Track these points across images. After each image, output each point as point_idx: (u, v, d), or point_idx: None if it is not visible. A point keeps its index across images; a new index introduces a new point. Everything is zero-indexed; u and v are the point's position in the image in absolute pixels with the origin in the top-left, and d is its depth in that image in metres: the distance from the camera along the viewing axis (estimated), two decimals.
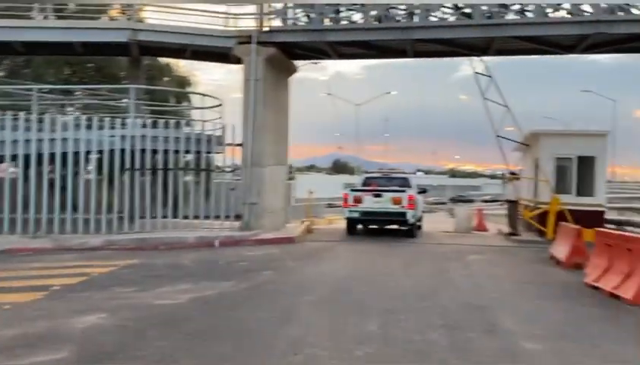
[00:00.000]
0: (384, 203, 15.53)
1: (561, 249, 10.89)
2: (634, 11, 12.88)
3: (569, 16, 13.24)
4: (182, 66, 24.19)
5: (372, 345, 5.32)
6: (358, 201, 15.85)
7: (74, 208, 13.40)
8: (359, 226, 17.26)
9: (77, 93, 19.86)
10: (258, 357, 4.96)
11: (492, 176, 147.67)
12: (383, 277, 9.46)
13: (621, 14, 12.80)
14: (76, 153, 13.37)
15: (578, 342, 5.54)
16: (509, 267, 10.90)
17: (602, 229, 9.91)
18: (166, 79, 23.56)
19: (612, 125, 47.43)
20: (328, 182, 79.07)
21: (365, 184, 16.84)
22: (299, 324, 6.13)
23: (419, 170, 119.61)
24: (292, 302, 7.28)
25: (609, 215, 15.67)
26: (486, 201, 69.06)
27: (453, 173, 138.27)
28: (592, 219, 14.02)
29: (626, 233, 8.90)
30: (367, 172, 18.87)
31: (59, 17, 16.28)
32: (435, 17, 13.99)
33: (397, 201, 15.46)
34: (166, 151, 14.01)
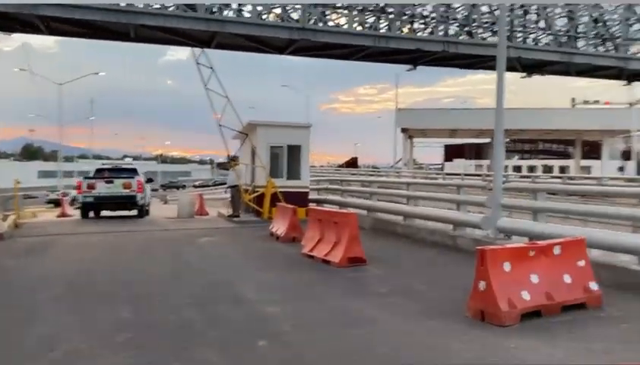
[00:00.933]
0: (116, 188, 17.66)
1: (279, 226, 12.43)
2: (330, 23, 15.36)
3: (281, 21, 14.97)
4: None
5: (131, 330, 5.46)
6: (92, 187, 17.57)
7: None
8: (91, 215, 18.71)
9: None
10: (8, 360, 4.63)
11: (202, 162, 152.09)
12: (122, 267, 9.37)
13: (321, 24, 15.12)
14: None
15: (308, 301, 6.72)
16: (238, 245, 11.93)
17: (314, 207, 11.73)
18: None
19: (305, 116, 54.37)
20: (18, 170, 69.60)
21: (96, 173, 19.07)
22: (46, 321, 5.83)
23: (126, 156, 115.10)
24: (28, 301, 6.76)
25: (311, 195, 18.29)
26: (196, 187, 71.15)
27: (163, 159, 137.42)
28: (299, 199, 16.21)
29: (333, 210, 10.79)
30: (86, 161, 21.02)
31: None
32: (158, 4, 14.03)
33: (127, 186, 17.69)
34: None
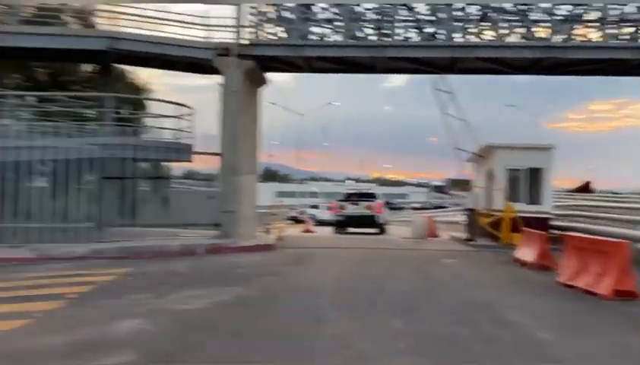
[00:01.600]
0: (360, 209, 22.27)
1: (527, 252, 11.96)
2: (578, 38, 14.43)
3: (524, 40, 14.59)
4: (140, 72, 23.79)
5: (408, 339, 5.86)
6: (342, 208, 22.68)
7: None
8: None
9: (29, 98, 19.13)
10: (312, 353, 5.36)
11: (419, 185, 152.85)
12: (378, 280, 10.07)
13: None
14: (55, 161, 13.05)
15: (581, 331, 6.41)
16: (483, 269, 11.87)
17: (572, 234, 11.03)
18: (119, 85, 23.11)
19: (532, 136, 51.11)
20: (262, 190, 79.08)
21: (346, 197, 24.03)
22: (329, 324, 6.53)
23: (348, 179, 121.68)
24: (309, 304, 7.64)
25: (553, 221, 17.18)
26: (416, 209, 71.86)
27: (382, 182, 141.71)
28: (539, 225, 15.35)
29: (598, 238, 9.99)
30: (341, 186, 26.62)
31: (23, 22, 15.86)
32: (400, 35, 14.97)
33: (369, 208, 22.34)
34: (134, 159, 13.96)
